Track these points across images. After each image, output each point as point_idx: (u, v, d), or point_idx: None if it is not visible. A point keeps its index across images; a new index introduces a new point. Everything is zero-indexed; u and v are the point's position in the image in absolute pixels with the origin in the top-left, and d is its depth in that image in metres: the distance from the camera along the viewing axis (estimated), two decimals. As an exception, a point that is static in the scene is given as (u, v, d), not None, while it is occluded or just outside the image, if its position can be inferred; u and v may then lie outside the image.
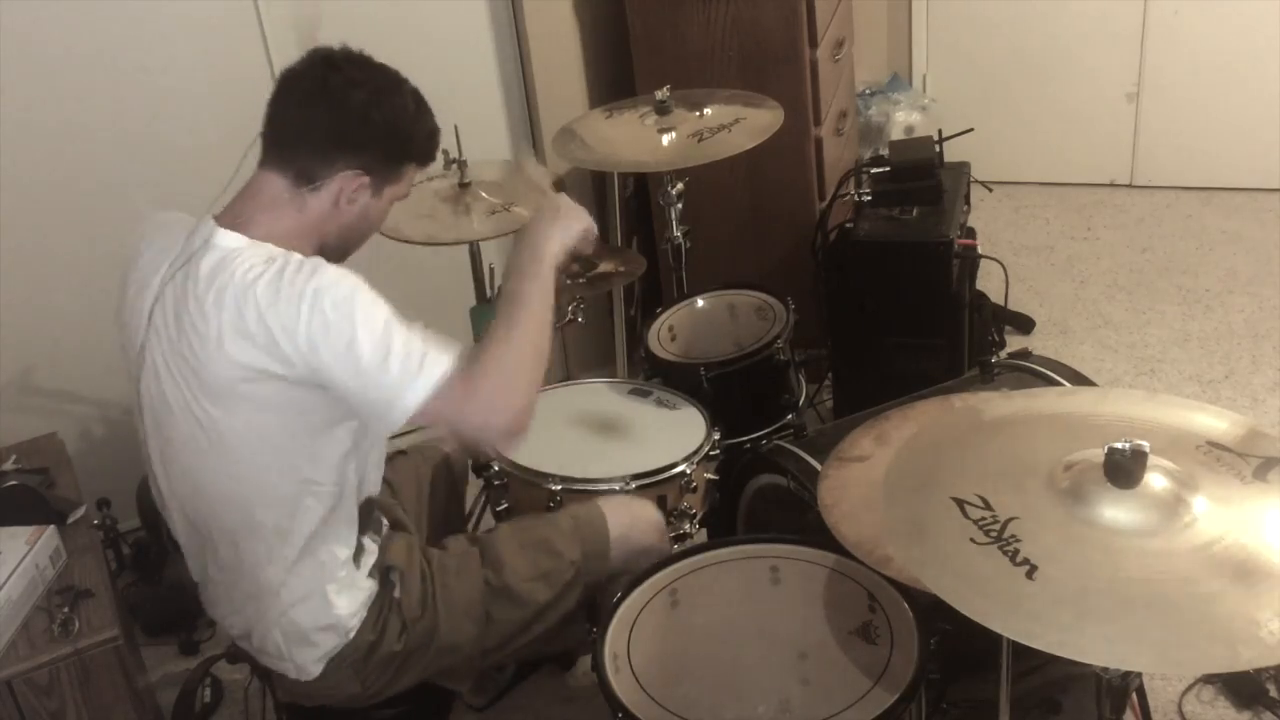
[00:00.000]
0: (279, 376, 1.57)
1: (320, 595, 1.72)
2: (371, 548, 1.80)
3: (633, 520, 1.96)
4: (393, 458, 2.03)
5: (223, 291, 1.56)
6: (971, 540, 1.33)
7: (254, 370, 1.56)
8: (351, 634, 1.76)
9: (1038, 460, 1.44)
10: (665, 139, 2.62)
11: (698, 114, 2.66)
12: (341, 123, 1.63)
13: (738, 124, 2.62)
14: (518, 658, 2.00)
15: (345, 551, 1.74)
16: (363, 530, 1.77)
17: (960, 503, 1.38)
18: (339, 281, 1.56)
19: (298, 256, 1.59)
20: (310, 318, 1.53)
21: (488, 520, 2.32)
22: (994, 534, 1.33)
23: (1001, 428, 1.57)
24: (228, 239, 1.61)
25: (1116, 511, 1.33)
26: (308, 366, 1.55)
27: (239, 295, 1.55)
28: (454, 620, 1.83)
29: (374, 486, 1.81)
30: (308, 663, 1.76)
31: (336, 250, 1.72)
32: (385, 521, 1.88)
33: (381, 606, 1.79)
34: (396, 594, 1.80)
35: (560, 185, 1.77)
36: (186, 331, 1.60)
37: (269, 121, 1.67)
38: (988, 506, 1.37)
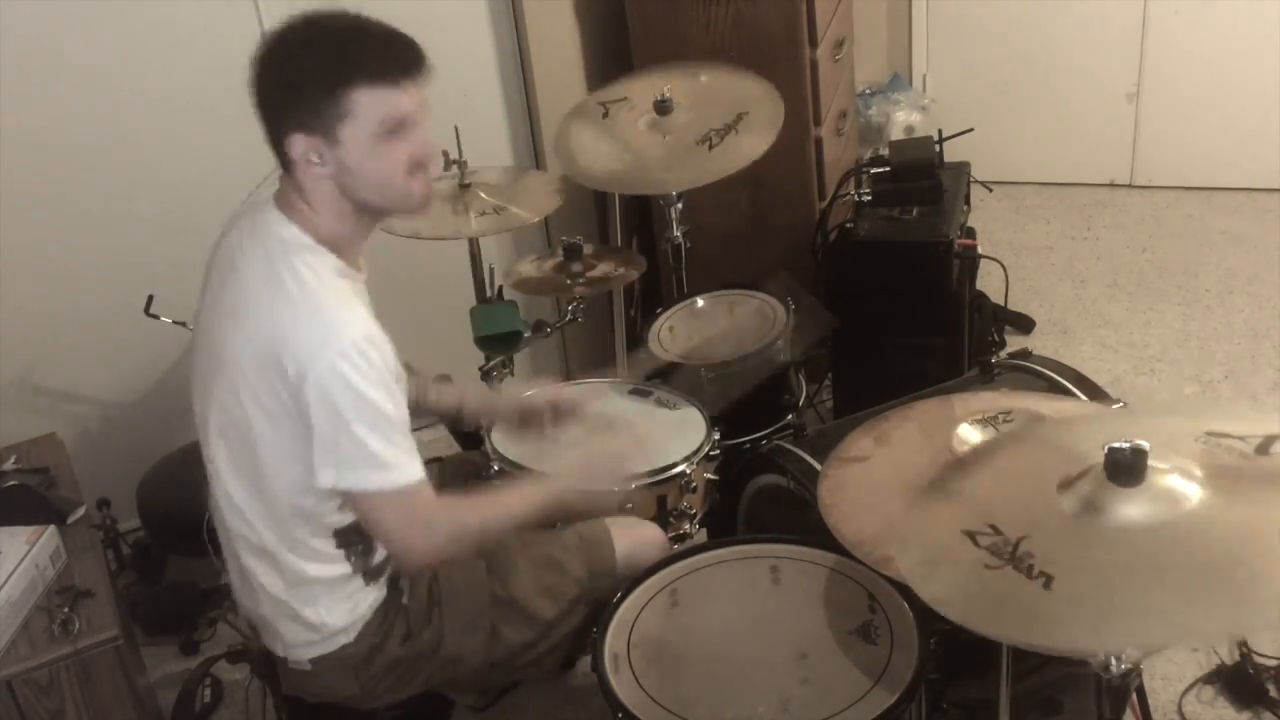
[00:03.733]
0: (275, 397, 1.59)
1: (310, 603, 1.73)
2: (383, 558, 1.79)
3: (637, 540, 1.95)
4: (427, 463, 2.03)
5: (259, 303, 1.60)
6: (986, 567, 1.35)
7: (252, 379, 1.59)
8: (349, 638, 1.75)
9: (1041, 477, 1.45)
10: (665, 138, 2.61)
11: (690, 112, 2.65)
12: (262, 97, 1.61)
13: (741, 121, 2.61)
14: (524, 677, 1.99)
15: (336, 566, 1.74)
16: (346, 546, 1.74)
17: (972, 535, 1.40)
18: (365, 355, 1.57)
19: (342, 330, 1.58)
20: (322, 379, 1.55)
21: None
22: (1006, 556, 1.35)
23: (994, 453, 1.61)
24: (282, 230, 1.64)
25: (1125, 509, 1.34)
26: (301, 409, 1.58)
27: (261, 334, 1.59)
28: (459, 630, 1.83)
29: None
30: (301, 657, 1.77)
31: (374, 205, 1.67)
32: None
33: (387, 611, 1.79)
34: (404, 600, 1.80)
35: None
36: (216, 311, 1.64)
37: None
38: (998, 532, 1.39)
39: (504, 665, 1.88)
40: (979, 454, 1.65)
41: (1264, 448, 1.41)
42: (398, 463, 1.61)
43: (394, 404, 1.61)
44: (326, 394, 1.55)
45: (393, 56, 1.59)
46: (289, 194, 1.66)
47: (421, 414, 2.02)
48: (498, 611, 1.85)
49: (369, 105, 1.57)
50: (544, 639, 1.87)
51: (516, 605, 1.85)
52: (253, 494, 1.68)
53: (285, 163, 1.63)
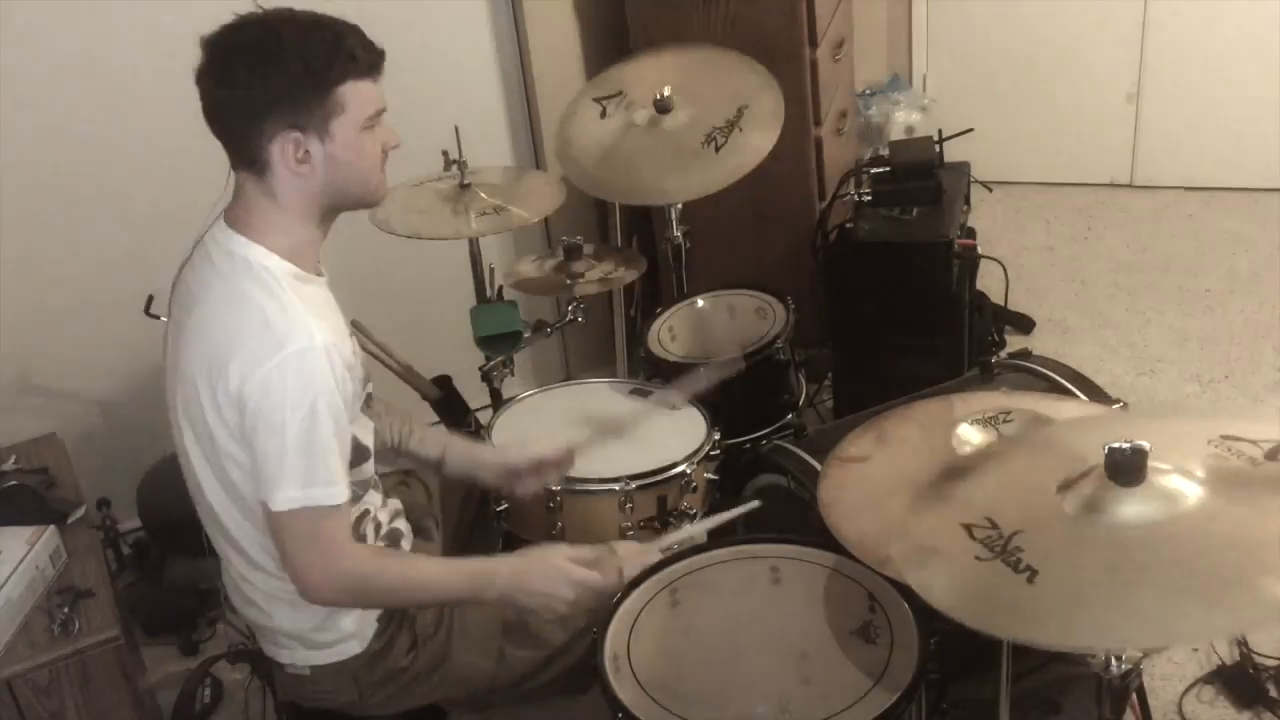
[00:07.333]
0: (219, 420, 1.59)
1: (316, 616, 1.72)
2: None
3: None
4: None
5: (210, 330, 1.59)
6: (976, 558, 1.36)
7: (198, 401, 1.60)
8: (351, 646, 1.75)
9: (1045, 477, 1.45)
10: (668, 145, 2.60)
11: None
12: (238, 98, 1.58)
13: (743, 116, 2.60)
14: (524, 700, 1.97)
15: None
16: None
17: (969, 527, 1.40)
18: (303, 390, 1.55)
19: (292, 340, 1.56)
20: (263, 407, 1.54)
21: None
22: (998, 549, 1.36)
23: (1001, 455, 1.62)
24: (236, 247, 1.63)
25: (1122, 508, 1.34)
26: (241, 435, 1.58)
27: (215, 349, 1.58)
28: (467, 649, 1.82)
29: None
30: (302, 662, 1.77)
31: (349, 198, 1.67)
32: (407, 531, 1.88)
33: (391, 619, 1.78)
34: (412, 610, 1.79)
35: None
36: (180, 336, 1.64)
37: (208, 123, 1.64)
38: (994, 526, 1.39)
39: (508, 689, 1.86)
40: (984, 458, 1.65)
41: (1274, 453, 1.40)
42: (315, 482, 1.57)
43: (327, 421, 1.57)
44: (256, 406, 1.54)
45: (372, 50, 1.61)
46: (244, 209, 1.63)
47: (401, 457, 1.98)
48: (507, 636, 1.84)
49: (358, 99, 1.59)
50: (551, 665, 1.85)
51: (527, 630, 1.83)
52: (250, 526, 1.67)
53: (260, 169, 1.60)
